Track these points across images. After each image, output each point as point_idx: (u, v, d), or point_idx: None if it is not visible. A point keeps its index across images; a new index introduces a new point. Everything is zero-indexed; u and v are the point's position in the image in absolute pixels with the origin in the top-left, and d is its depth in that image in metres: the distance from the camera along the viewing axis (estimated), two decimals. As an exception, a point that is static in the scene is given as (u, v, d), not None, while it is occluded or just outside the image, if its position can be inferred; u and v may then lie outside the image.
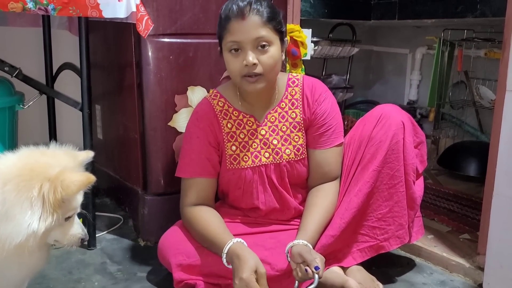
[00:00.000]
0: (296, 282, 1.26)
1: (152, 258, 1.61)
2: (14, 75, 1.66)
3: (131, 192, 1.83)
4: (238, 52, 1.31)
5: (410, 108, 2.75)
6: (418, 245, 1.64)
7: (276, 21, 1.33)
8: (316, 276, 1.21)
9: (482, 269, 1.46)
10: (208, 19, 1.69)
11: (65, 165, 0.99)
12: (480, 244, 1.49)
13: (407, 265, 1.61)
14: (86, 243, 1.65)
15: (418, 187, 1.47)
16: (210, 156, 1.42)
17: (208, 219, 1.37)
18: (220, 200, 1.56)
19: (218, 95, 1.46)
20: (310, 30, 1.96)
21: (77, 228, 1.05)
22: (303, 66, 2.00)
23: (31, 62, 1.91)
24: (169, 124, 1.68)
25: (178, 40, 1.66)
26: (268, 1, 1.35)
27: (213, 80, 1.73)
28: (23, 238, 0.92)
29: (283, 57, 1.39)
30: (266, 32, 1.30)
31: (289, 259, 1.30)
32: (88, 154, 1.08)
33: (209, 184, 1.43)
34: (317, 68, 2.75)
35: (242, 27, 1.29)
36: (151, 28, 1.54)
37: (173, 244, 1.39)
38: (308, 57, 2.02)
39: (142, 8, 1.52)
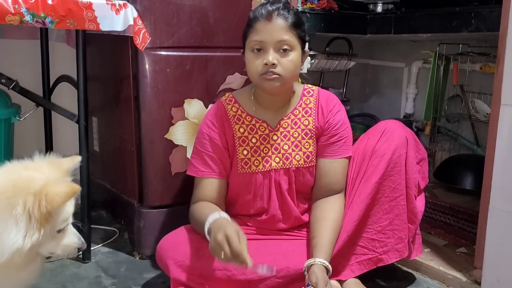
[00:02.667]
0: None
1: (148, 272, 1.60)
2: (10, 87, 1.66)
3: (127, 204, 1.82)
4: (260, 52, 1.35)
5: (407, 122, 2.76)
6: (415, 259, 1.62)
7: (301, 29, 1.38)
8: None
9: (479, 283, 1.45)
10: (205, 32, 1.70)
11: (50, 177, 0.97)
12: (477, 258, 1.48)
13: (404, 279, 1.60)
14: (81, 256, 1.65)
15: (419, 203, 1.48)
16: (222, 157, 1.45)
17: (207, 205, 1.40)
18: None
19: (233, 100, 1.48)
20: (307, 43, 1.98)
21: (73, 238, 1.03)
22: (299, 80, 2.02)
23: (28, 74, 1.91)
24: (165, 136, 1.68)
25: (175, 53, 1.67)
26: (295, 10, 1.41)
27: (210, 93, 1.73)
28: (8, 257, 0.90)
29: (302, 67, 1.43)
30: (289, 37, 1.34)
31: (306, 272, 1.30)
32: (74, 160, 1.06)
33: (220, 185, 1.45)
34: (314, 81, 2.75)
35: (268, 28, 1.33)
36: (148, 41, 1.55)
37: (172, 246, 1.40)
38: (304, 71, 2.03)
39: (140, 21, 1.53)
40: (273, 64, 1.33)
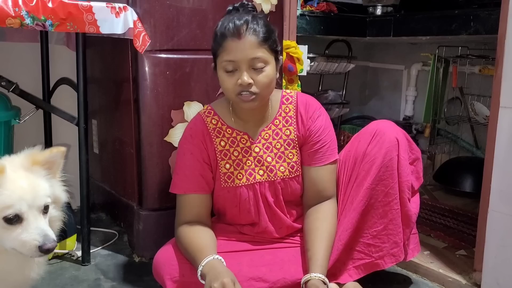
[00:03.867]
0: None
1: (147, 275, 1.59)
2: (10, 89, 1.67)
3: (126, 207, 1.82)
4: (233, 71, 1.31)
5: (406, 124, 2.76)
6: (414, 262, 1.63)
7: (272, 40, 1.33)
8: None
9: (478, 286, 1.45)
10: (204, 35, 1.70)
11: (12, 163, 0.95)
12: (476, 261, 1.48)
13: (404, 282, 1.60)
14: (80, 258, 1.64)
15: (414, 204, 1.47)
16: (204, 172, 1.41)
17: (195, 235, 1.35)
18: (215, 216, 1.55)
19: (212, 112, 1.45)
20: (306, 46, 1.98)
21: (32, 234, 0.92)
22: (299, 82, 2.02)
23: (28, 77, 1.91)
24: (165, 139, 1.68)
25: (175, 56, 1.67)
26: (264, 20, 1.34)
27: (209, 96, 1.73)
28: None
29: (277, 75, 1.39)
30: (262, 53, 1.30)
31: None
32: (53, 150, 1.01)
33: (204, 201, 1.42)
34: (313, 84, 2.76)
35: (238, 47, 1.28)
36: (148, 44, 1.55)
37: (168, 261, 1.37)
38: (304, 73, 2.03)
39: (140, 24, 1.54)
40: (249, 84, 1.30)
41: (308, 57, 2.10)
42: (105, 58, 1.93)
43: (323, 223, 1.39)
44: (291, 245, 1.47)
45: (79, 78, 1.59)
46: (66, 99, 1.93)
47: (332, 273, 1.42)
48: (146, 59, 1.62)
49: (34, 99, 1.72)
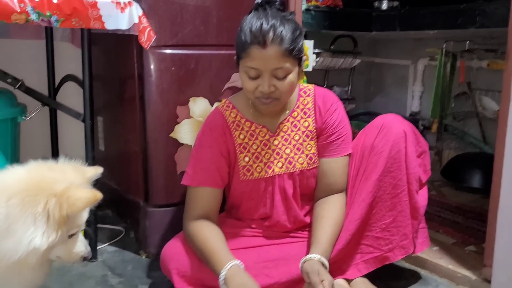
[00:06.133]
0: None
1: (154, 270, 1.59)
2: (16, 86, 1.66)
3: (132, 204, 1.82)
4: (255, 77, 1.30)
5: (413, 120, 2.73)
6: (423, 257, 1.62)
7: (297, 49, 1.29)
8: None
9: (488, 282, 1.43)
10: (208, 31, 1.69)
11: (72, 181, 0.97)
12: (486, 256, 1.47)
13: (412, 277, 1.59)
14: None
15: (422, 197, 1.46)
16: (220, 167, 1.41)
17: (208, 235, 1.34)
18: (225, 211, 1.54)
19: (231, 106, 1.45)
20: (312, 41, 1.97)
21: (80, 246, 1.03)
22: (305, 77, 2.00)
23: (33, 74, 1.90)
24: (171, 135, 1.67)
25: (180, 52, 1.66)
26: (292, 23, 1.30)
27: (215, 91, 1.73)
28: (22, 255, 0.90)
29: (301, 77, 1.38)
30: (286, 63, 1.27)
31: (301, 272, 1.28)
32: (97, 171, 1.06)
33: (215, 195, 1.42)
34: (318, 79, 2.74)
35: (262, 56, 1.25)
36: (153, 40, 1.54)
37: (176, 255, 1.37)
38: (310, 69, 2.02)
39: (145, 20, 1.53)
40: (270, 92, 1.29)
41: (314, 53, 2.09)
42: (110, 55, 1.92)
43: (330, 212, 1.39)
44: (299, 239, 1.47)
45: (85, 74, 1.58)
46: (71, 96, 1.92)
47: (340, 268, 1.41)
48: (151, 55, 1.62)
49: (40, 96, 1.71)
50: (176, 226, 1.54)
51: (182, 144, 1.69)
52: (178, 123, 1.68)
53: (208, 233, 1.35)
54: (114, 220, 2.00)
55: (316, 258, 1.27)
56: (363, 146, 1.45)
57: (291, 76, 1.31)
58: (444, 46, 2.40)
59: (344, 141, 1.45)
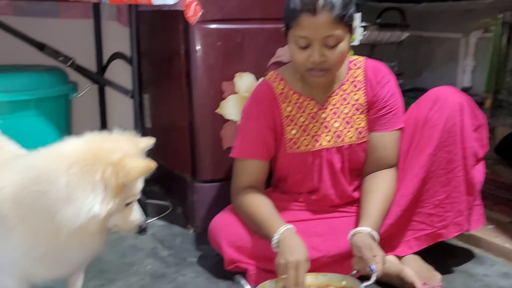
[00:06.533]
0: (354, 270, 1.23)
1: (202, 244, 1.62)
2: (68, 64, 1.71)
3: (179, 179, 1.85)
4: (305, 47, 1.27)
5: (464, 95, 2.62)
6: (477, 236, 1.56)
7: (348, 16, 1.26)
8: (373, 276, 1.16)
9: (548, 261, 1.37)
10: (254, 4, 1.67)
11: (127, 151, 0.99)
12: (546, 235, 1.40)
13: (465, 255, 1.54)
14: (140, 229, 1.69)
15: (478, 172, 1.40)
16: (266, 139, 1.40)
17: (259, 203, 1.36)
18: (271, 186, 1.54)
19: (279, 77, 1.43)
20: (360, 14, 1.91)
21: (136, 214, 1.05)
22: (352, 51, 1.95)
23: (82, 53, 1.95)
24: (216, 111, 1.67)
25: (226, 26, 1.65)
26: None
27: (261, 66, 1.71)
28: (83, 221, 0.93)
29: (353, 41, 1.35)
30: (337, 30, 1.24)
31: (351, 245, 1.26)
32: (149, 141, 1.08)
33: (262, 167, 1.42)
34: (363, 54, 2.66)
35: (312, 24, 1.22)
36: (199, 14, 1.53)
37: (224, 226, 1.40)
38: (356, 42, 1.97)
39: (191, -6, 1.52)
40: (320, 62, 1.26)
41: (361, 26, 2.03)
42: (156, 33, 1.93)
43: (380, 186, 1.36)
44: (347, 214, 1.45)
45: (133, 51, 1.61)
46: (119, 74, 1.96)
47: (390, 244, 1.38)
48: (197, 30, 1.61)
49: (90, 74, 1.76)
50: (222, 201, 1.55)
51: (228, 120, 1.69)
52: (224, 98, 1.67)
53: (258, 202, 1.35)
54: (161, 195, 2.05)
55: (366, 231, 1.24)
56: (416, 119, 1.40)
57: (342, 45, 1.28)
58: (501, 16, 2.27)
59: (395, 114, 1.41)
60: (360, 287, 1.15)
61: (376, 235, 1.25)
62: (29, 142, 1.16)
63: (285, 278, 1.16)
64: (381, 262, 1.17)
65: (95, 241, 1.02)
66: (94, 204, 0.93)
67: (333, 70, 1.32)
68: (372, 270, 1.16)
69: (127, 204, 1.03)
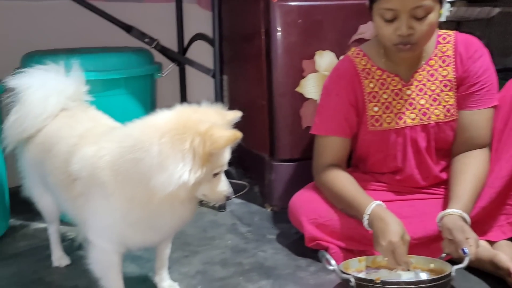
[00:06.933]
0: (444, 253, 1.18)
1: (280, 222, 1.63)
2: (153, 45, 1.78)
3: (257, 158, 1.87)
4: (391, 20, 1.22)
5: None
6: None
7: None
8: (466, 259, 1.11)
9: None
10: (336, -20, 1.63)
11: (215, 122, 1.01)
12: None
13: None
14: (217, 205, 1.74)
15: None
16: (348, 115, 1.38)
17: (345, 180, 1.34)
18: (351, 166, 1.52)
19: (361, 53, 1.40)
20: (447, -14, 1.80)
21: (223, 186, 1.07)
22: (437, 28, 1.85)
23: (163, 35, 2.01)
24: (296, 89, 1.67)
25: (306, 3, 1.63)
26: None
27: (342, 44, 1.67)
28: (174, 188, 0.97)
29: (441, 16, 1.28)
30: (427, 0, 1.19)
31: (440, 227, 1.22)
32: (236, 114, 1.09)
33: (344, 144, 1.40)
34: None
35: None
36: (281, -9, 1.53)
37: (305, 203, 1.40)
38: (443, 18, 1.86)
39: (273, -29, 1.52)
40: (409, 34, 1.21)
41: (448, 1, 1.92)
42: (236, 14, 1.95)
43: (471, 167, 1.29)
44: (434, 196, 1.39)
45: (215, 31, 1.64)
46: (197, 56, 2.01)
47: (481, 229, 1.31)
48: (277, 8, 1.61)
49: (174, 54, 1.82)
50: (300, 180, 1.55)
51: (308, 99, 1.68)
52: (304, 77, 1.66)
53: (344, 179, 1.34)
54: (238, 174, 2.08)
55: (456, 213, 1.19)
56: None
57: (432, 16, 1.22)
58: None
59: (489, 91, 1.32)
60: (452, 270, 1.11)
61: (467, 217, 1.19)
62: (118, 118, 1.22)
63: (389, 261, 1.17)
64: (475, 245, 1.12)
65: (185, 209, 1.06)
66: (184, 172, 0.96)
67: (421, 44, 1.26)
68: (465, 253, 1.11)
69: (215, 175, 1.05)
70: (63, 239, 1.48)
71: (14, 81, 1.24)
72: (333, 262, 1.14)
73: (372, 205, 1.23)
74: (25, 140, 1.25)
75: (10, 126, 1.25)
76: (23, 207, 1.46)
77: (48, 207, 1.33)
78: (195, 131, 0.97)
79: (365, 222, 1.23)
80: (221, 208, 1.75)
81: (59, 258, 1.38)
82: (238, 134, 1.00)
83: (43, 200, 1.32)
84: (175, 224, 1.10)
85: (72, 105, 1.26)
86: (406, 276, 1.18)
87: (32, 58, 1.56)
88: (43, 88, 1.23)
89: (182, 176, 0.96)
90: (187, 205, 1.05)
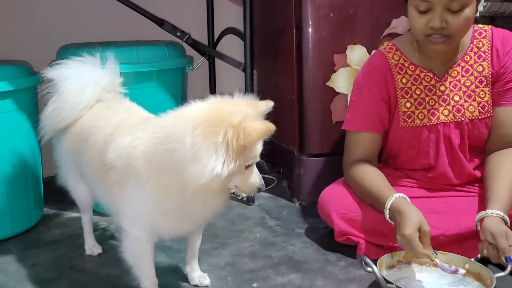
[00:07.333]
0: (479, 255, 1.17)
1: (309, 217, 1.63)
2: (184, 39, 1.79)
3: (286, 153, 1.87)
4: (425, 12, 1.20)
5: None
6: None
7: None
8: (509, 267, 1.09)
9: None
10: (369, -27, 1.61)
11: (247, 114, 1.01)
12: None
13: None
14: (245, 198, 1.74)
15: None
16: (380, 111, 1.36)
17: (374, 175, 1.33)
18: (381, 162, 1.50)
19: (394, 47, 1.38)
20: (484, -20, 1.75)
21: (255, 177, 1.07)
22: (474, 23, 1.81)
23: (194, 28, 2.02)
24: (327, 84, 1.66)
25: (338, -3, 1.61)
26: None
27: (374, 38, 1.66)
28: (207, 180, 0.96)
29: (477, 11, 1.25)
30: None
31: (478, 228, 1.20)
32: (268, 104, 1.08)
33: (375, 140, 1.38)
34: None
35: None
36: (314, -15, 1.52)
37: (335, 198, 1.39)
38: (476, 14, 1.81)
39: (307, -36, 1.51)
40: (442, 27, 1.18)
41: (483, -5, 1.86)
42: (266, 8, 1.95)
43: (507, 165, 1.26)
44: (467, 194, 1.36)
45: (246, 25, 1.64)
46: (228, 50, 2.01)
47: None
48: (309, 2, 1.60)
49: (205, 48, 1.83)
50: (329, 176, 1.54)
51: (338, 93, 1.66)
52: (335, 71, 1.65)
53: (372, 174, 1.33)
54: (266, 169, 2.08)
55: (498, 215, 1.16)
56: None
57: (468, 10, 1.19)
58: None
59: None
60: (494, 277, 1.08)
61: (507, 219, 1.17)
62: (151, 110, 1.24)
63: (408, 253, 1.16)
64: None
65: (217, 200, 1.06)
66: (217, 164, 0.95)
67: (455, 38, 1.23)
68: (508, 262, 1.08)
69: (247, 167, 1.05)
70: (95, 228, 1.52)
71: (52, 72, 1.27)
72: (374, 268, 1.10)
73: (392, 199, 1.22)
74: (62, 130, 1.28)
75: (47, 117, 1.28)
76: (56, 196, 1.51)
77: (83, 196, 1.36)
78: (228, 123, 0.97)
79: (387, 216, 1.23)
80: (250, 201, 1.76)
81: (91, 247, 1.41)
82: (271, 126, 0.99)
83: (78, 190, 1.35)
84: (207, 215, 1.10)
85: (107, 96, 1.28)
86: (439, 272, 1.16)
87: (68, 50, 1.60)
88: (80, 79, 1.25)
89: (216, 168, 0.96)
90: (219, 196, 1.05)
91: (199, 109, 1.03)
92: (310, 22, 1.62)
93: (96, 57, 1.30)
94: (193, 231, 1.20)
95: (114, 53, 1.33)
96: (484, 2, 2.04)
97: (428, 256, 1.12)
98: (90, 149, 1.16)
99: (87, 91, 1.24)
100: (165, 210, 1.04)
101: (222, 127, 0.97)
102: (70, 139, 1.25)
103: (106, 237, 1.51)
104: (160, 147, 1.00)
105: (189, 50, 1.91)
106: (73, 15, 1.98)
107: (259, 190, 1.08)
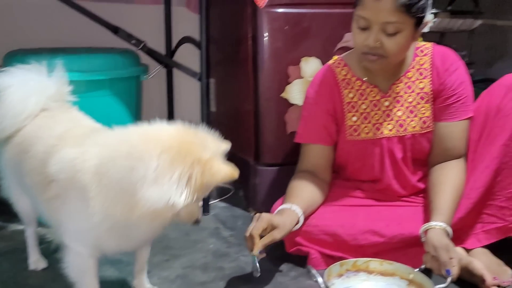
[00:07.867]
0: (423, 266, 1.20)
1: (263, 227, 1.63)
2: (139, 47, 1.77)
3: (242, 163, 1.84)
4: (364, 29, 1.25)
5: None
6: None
7: (417, 7, 1.21)
8: (448, 279, 1.13)
9: None
10: (323, -12, 1.65)
11: (214, 152, 1.01)
12: None
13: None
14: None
15: None
16: (327, 124, 1.40)
17: (298, 185, 1.36)
18: (334, 173, 1.52)
19: (342, 63, 1.41)
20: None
21: (197, 209, 1.07)
22: (421, 38, 1.88)
23: (151, 37, 2.00)
24: (281, 95, 1.67)
25: (293, 10, 1.64)
26: None
27: (327, 51, 1.69)
28: (161, 206, 0.94)
29: (416, 39, 1.30)
30: (398, 18, 1.20)
31: (423, 239, 1.23)
32: (227, 145, 1.09)
33: (325, 152, 1.41)
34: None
35: (375, 6, 1.21)
36: (268, -2, 1.54)
37: None
38: (426, 29, 1.89)
39: (261, -23, 1.52)
40: (375, 47, 1.23)
41: (431, 13, 1.95)
42: (224, 19, 1.95)
43: (449, 178, 1.31)
44: (413, 204, 1.41)
45: (202, 35, 1.64)
46: (185, 59, 2.00)
47: (458, 237, 1.33)
48: (264, 14, 1.62)
49: (160, 57, 1.81)
50: (285, 185, 1.54)
51: (293, 104, 1.69)
52: (289, 83, 1.67)
53: (298, 183, 1.36)
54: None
55: (440, 227, 1.21)
56: (488, 107, 1.34)
57: (401, 36, 1.23)
58: None
59: (464, 103, 1.35)
60: None
61: (450, 231, 1.22)
62: (103, 120, 1.21)
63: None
64: (457, 265, 1.14)
65: (160, 223, 1.04)
66: (176, 195, 0.94)
67: (390, 59, 1.28)
68: (448, 274, 1.12)
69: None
70: (41, 241, 1.46)
71: (-6, 80, 1.22)
72: (320, 279, 1.13)
73: (283, 206, 1.29)
74: (4, 140, 1.23)
75: (-12, 127, 1.23)
76: (0, 208, 1.44)
77: (26, 209, 1.31)
78: (196, 157, 0.96)
79: None
80: (205, 211, 1.75)
81: (35, 261, 1.36)
82: (235, 174, 1.01)
83: (20, 202, 1.30)
84: (151, 235, 1.10)
85: (53, 105, 1.24)
86: (385, 281, 1.19)
87: (15, 57, 1.55)
88: (24, 87, 1.21)
89: (173, 198, 0.94)
90: (164, 221, 1.03)
91: (169, 134, 1.00)
92: (265, 34, 1.64)
93: (42, 65, 1.26)
94: (137, 248, 1.17)
95: (64, 60, 1.30)
96: (434, 19, 2.12)
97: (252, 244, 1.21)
98: (31, 160, 1.12)
99: (31, 100, 1.20)
100: (109, 226, 1.01)
101: (189, 160, 0.95)
102: (11, 149, 1.20)
103: (52, 250, 1.45)
104: (118, 162, 0.97)
105: (146, 59, 1.89)
106: (22, 20, 1.92)
107: (197, 221, 1.07)
